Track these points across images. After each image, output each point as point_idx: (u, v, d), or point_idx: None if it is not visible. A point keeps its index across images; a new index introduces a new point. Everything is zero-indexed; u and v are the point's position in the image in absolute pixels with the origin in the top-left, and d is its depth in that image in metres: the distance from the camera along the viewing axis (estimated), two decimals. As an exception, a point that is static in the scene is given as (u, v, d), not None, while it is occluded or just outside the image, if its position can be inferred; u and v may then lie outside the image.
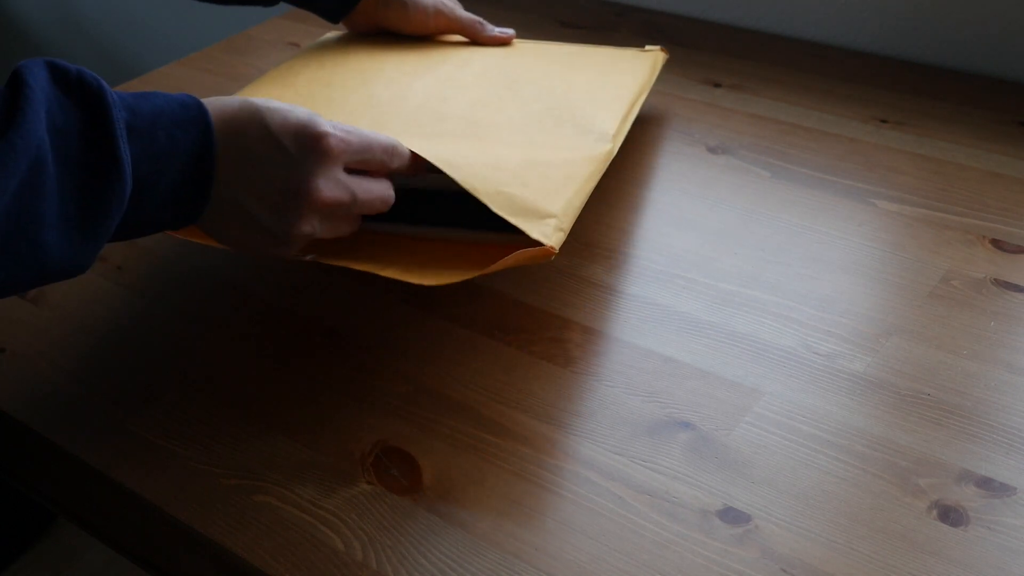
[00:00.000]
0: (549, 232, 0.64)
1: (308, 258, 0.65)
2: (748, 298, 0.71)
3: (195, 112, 0.58)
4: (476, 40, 0.91)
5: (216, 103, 0.59)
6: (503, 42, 0.91)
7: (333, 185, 0.60)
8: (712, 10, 1.11)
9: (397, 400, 0.65)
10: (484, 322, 0.70)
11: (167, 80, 1.05)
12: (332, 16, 0.92)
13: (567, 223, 0.65)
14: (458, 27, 0.91)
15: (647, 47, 0.93)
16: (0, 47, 2.15)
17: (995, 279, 0.72)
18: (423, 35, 0.92)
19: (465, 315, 0.71)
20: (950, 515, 0.55)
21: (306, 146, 0.59)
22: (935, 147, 0.87)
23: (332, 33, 0.97)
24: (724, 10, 1.11)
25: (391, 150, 0.64)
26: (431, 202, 0.69)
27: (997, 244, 0.76)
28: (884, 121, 0.91)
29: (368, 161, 0.63)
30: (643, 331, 0.69)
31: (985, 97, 0.94)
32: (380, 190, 0.63)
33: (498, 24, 0.93)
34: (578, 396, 0.64)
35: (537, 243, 0.63)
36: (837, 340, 0.67)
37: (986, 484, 0.57)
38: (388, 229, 0.69)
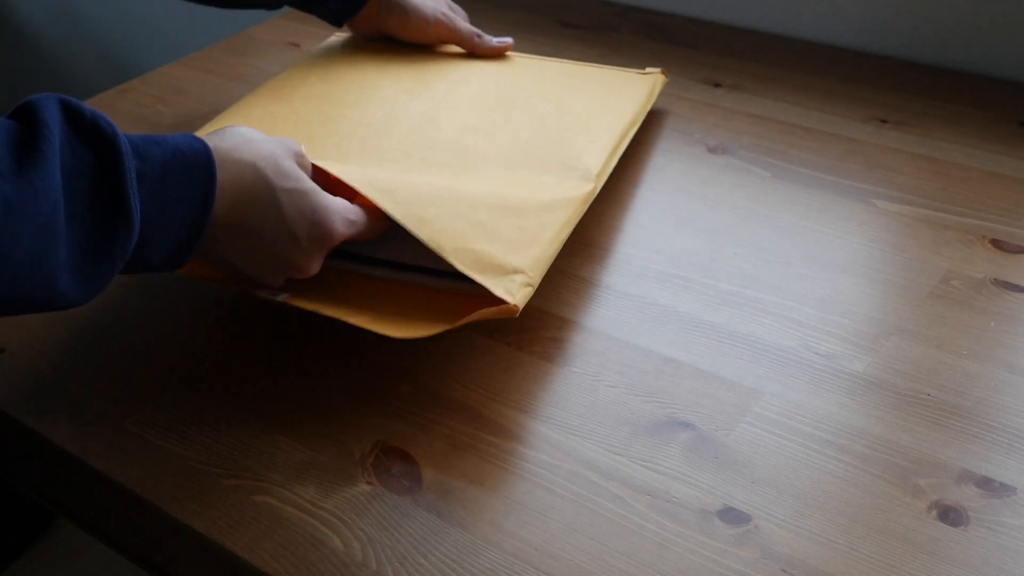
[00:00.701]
0: (514, 289, 0.64)
1: (280, 298, 0.66)
2: (748, 298, 0.71)
3: (202, 160, 0.58)
4: (473, 52, 0.92)
5: (228, 163, 0.59)
6: (500, 52, 0.93)
7: (320, 263, 0.64)
8: (712, 10, 1.11)
9: (397, 400, 0.65)
10: (484, 322, 0.70)
11: (167, 80, 1.05)
12: (334, 20, 0.93)
13: (536, 277, 0.66)
14: (457, 38, 0.92)
15: (647, 69, 0.93)
16: (0, 47, 2.15)
17: (995, 279, 0.72)
18: (423, 43, 0.93)
19: (465, 315, 0.71)
20: (950, 515, 0.55)
21: (315, 239, 0.62)
22: (935, 147, 0.87)
23: (336, 37, 0.98)
24: (724, 10, 1.11)
25: (375, 231, 0.66)
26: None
27: (997, 244, 0.76)
28: (884, 121, 0.91)
29: (355, 239, 0.66)
30: (643, 331, 0.69)
31: (985, 97, 0.94)
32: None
33: (500, 26, 0.93)
34: (578, 396, 0.64)
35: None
36: (837, 340, 0.67)
37: (986, 484, 0.57)
38: (361, 271, 0.69)
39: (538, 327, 0.70)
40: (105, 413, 0.65)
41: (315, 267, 0.63)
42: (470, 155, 0.76)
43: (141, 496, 0.60)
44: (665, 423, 0.62)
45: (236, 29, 1.16)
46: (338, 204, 0.63)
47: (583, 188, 0.74)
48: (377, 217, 0.66)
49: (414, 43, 0.93)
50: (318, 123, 0.80)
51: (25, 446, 0.67)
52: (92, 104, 1.00)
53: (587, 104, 0.85)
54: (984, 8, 0.97)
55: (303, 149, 0.65)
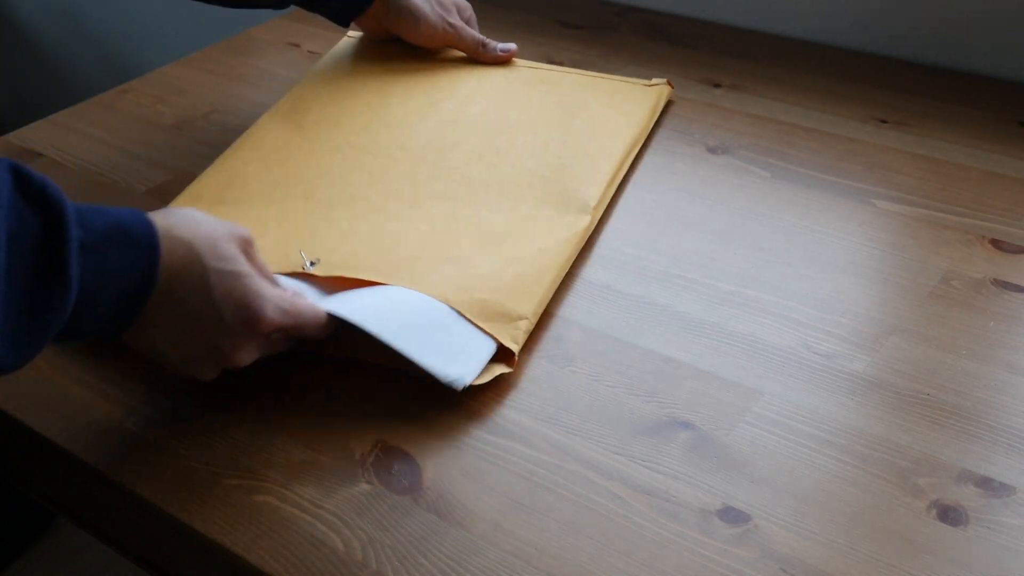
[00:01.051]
0: (519, 336, 0.66)
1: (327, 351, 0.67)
2: (748, 298, 0.71)
3: (145, 235, 0.56)
4: (478, 60, 0.95)
5: (165, 239, 0.57)
6: (505, 60, 0.95)
7: (252, 353, 0.61)
8: (712, 10, 1.11)
9: (397, 400, 0.65)
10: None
11: (167, 80, 1.05)
12: (340, 20, 0.95)
13: (535, 320, 0.69)
14: (462, 46, 0.95)
15: (653, 80, 0.95)
16: (0, 47, 2.15)
17: (995, 279, 0.72)
18: (429, 47, 0.96)
19: (465, 315, 0.71)
20: (949, 515, 0.55)
21: (244, 323, 0.59)
22: (935, 147, 0.87)
23: (344, 41, 0.99)
24: (724, 10, 1.11)
25: (321, 329, 0.63)
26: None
27: (997, 244, 0.76)
28: (884, 121, 0.91)
29: (296, 333, 0.63)
30: (643, 331, 0.69)
31: (985, 97, 0.94)
32: (286, 345, 0.64)
33: (500, 26, 0.94)
34: (578, 396, 0.64)
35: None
36: (837, 340, 0.67)
37: (986, 484, 0.57)
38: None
39: (538, 327, 0.69)
40: (105, 413, 0.65)
41: (245, 356, 0.61)
42: (473, 186, 0.79)
43: (141, 496, 0.60)
44: (665, 423, 0.62)
45: (236, 29, 1.15)
46: (272, 292, 0.60)
47: (580, 224, 0.76)
48: (317, 314, 0.63)
49: (420, 46, 0.96)
50: (328, 152, 0.83)
51: (25, 446, 0.67)
52: (92, 104, 1.01)
53: (591, 125, 0.87)
54: (985, 8, 0.97)
55: (252, 237, 0.62)
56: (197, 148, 0.92)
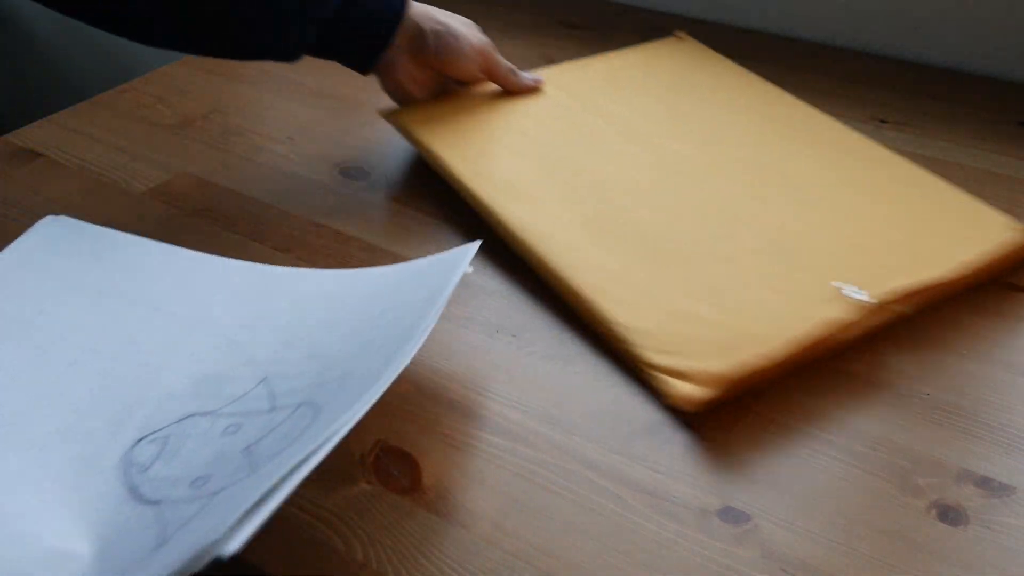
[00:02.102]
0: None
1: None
2: (748, 298, 0.71)
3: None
4: (508, 90, 0.89)
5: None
6: (533, 90, 0.89)
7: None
8: (712, 10, 1.11)
9: (397, 400, 0.65)
10: (484, 322, 0.70)
11: (168, 80, 1.05)
12: (359, 64, 0.84)
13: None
14: (498, 72, 0.88)
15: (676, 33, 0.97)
16: (0, 47, 2.15)
17: (995, 279, 0.72)
18: (466, 79, 0.88)
19: (465, 315, 0.71)
20: (949, 515, 0.55)
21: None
22: (935, 147, 0.87)
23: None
24: (724, 10, 1.11)
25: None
26: None
27: (997, 244, 0.75)
28: (884, 121, 0.91)
29: None
30: (643, 331, 0.69)
31: (985, 97, 0.94)
32: None
33: (502, 26, 0.94)
34: (578, 396, 0.64)
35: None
36: (837, 340, 0.67)
37: (985, 484, 0.57)
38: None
39: (538, 327, 0.70)
40: (105, 413, 0.65)
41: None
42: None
43: (141, 496, 0.60)
44: (665, 423, 0.62)
45: (236, 29, 1.15)
46: None
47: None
48: None
49: (456, 80, 0.88)
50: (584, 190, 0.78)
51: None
52: (92, 104, 1.01)
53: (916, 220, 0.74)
54: (984, 8, 0.97)
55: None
56: (197, 148, 0.92)
